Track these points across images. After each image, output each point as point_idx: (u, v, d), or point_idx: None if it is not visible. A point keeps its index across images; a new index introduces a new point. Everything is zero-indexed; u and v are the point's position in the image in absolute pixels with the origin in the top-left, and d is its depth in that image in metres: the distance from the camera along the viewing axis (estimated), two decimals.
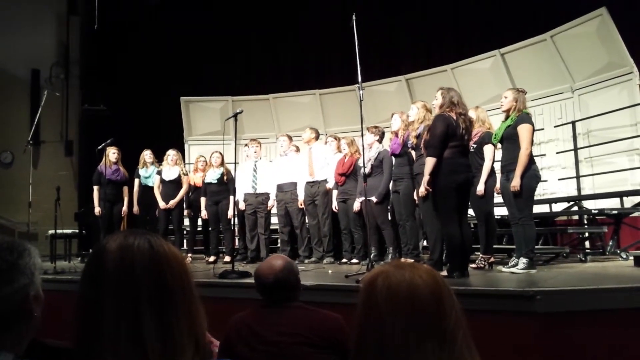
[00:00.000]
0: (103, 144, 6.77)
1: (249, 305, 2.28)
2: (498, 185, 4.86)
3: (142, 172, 7.10)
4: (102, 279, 0.96)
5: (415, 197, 5.02)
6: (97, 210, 6.94)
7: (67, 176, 9.87)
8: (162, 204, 6.86)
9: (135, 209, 7.10)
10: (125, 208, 7.10)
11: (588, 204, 6.57)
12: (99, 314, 0.93)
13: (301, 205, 6.61)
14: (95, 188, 7.00)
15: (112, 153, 7.00)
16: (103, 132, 7.45)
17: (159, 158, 7.21)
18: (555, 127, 7.29)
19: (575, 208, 6.69)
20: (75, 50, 10.50)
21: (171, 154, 7.05)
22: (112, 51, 10.20)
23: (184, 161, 7.67)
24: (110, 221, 6.97)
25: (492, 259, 5.06)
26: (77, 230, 7.94)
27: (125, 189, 7.14)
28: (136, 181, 7.13)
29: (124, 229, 7.01)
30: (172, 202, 6.86)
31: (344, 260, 6.21)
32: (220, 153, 6.95)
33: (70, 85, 10.33)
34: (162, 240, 1.03)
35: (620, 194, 6.20)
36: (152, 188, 7.01)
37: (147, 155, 7.14)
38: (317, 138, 6.91)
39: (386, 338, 0.99)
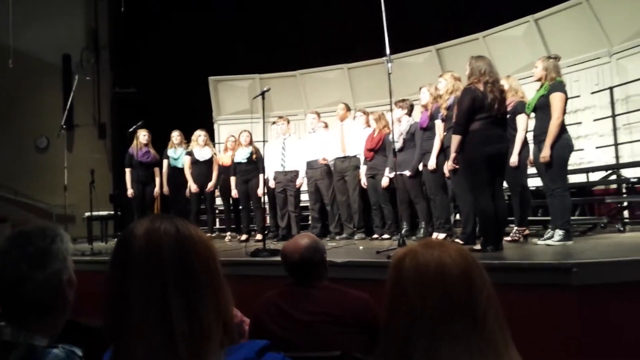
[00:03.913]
0: (134, 127, 6.86)
1: (281, 283, 2.29)
2: (531, 156, 4.75)
3: (170, 152, 7.17)
4: (130, 263, 0.97)
5: (446, 171, 4.95)
6: (129, 192, 7.07)
7: (101, 159, 10.08)
8: (193, 187, 6.94)
9: (165, 189, 7.20)
10: (157, 189, 7.21)
11: (627, 172, 6.37)
12: (127, 297, 0.94)
13: (327, 160, 6.52)
14: (127, 170, 7.12)
15: (142, 135, 7.08)
16: (134, 114, 7.54)
17: (188, 139, 7.27)
18: (592, 93, 7.06)
19: (614, 177, 6.49)
20: (104, 34, 10.62)
21: (202, 134, 7.10)
22: (140, 33, 10.26)
23: (214, 141, 7.71)
24: (143, 202, 7.10)
25: (527, 232, 4.97)
26: (112, 212, 8.13)
27: (157, 170, 7.24)
28: (165, 162, 7.21)
29: (157, 210, 7.16)
30: (211, 185, 6.96)
31: (375, 236, 6.20)
32: (249, 132, 6.97)
33: (100, 69, 10.47)
34: (188, 223, 1.03)
35: None
36: (181, 169, 7.09)
37: (175, 136, 7.21)
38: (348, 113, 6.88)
39: (415, 319, 0.98)
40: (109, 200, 8.22)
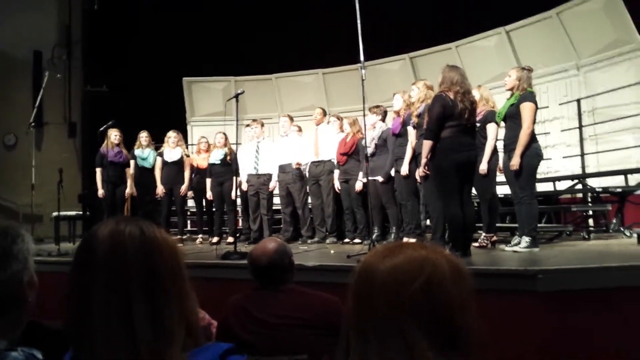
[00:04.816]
0: (105, 126, 6.76)
1: (252, 286, 2.29)
2: (501, 164, 4.84)
3: (138, 152, 7.06)
4: (92, 266, 0.96)
5: (417, 177, 5.01)
6: (100, 192, 6.96)
7: (71, 158, 9.87)
8: (160, 189, 6.87)
9: (134, 190, 7.10)
10: (128, 190, 7.11)
11: (592, 182, 6.55)
12: (89, 299, 0.93)
13: (299, 166, 6.53)
14: (98, 170, 7.00)
15: (113, 135, 6.98)
16: (106, 114, 7.42)
17: (160, 139, 7.19)
18: (560, 104, 7.23)
19: (579, 186, 6.67)
20: (77, 31, 10.42)
21: (172, 135, 7.03)
22: (113, 31, 10.11)
23: (186, 142, 7.64)
24: (114, 203, 6.98)
25: (494, 238, 5.06)
26: (81, 212, 7.98)
27: (128, 171, 7.14)
28: (132, 163, 7.11)
29: (127, 212, 7.06)
30: (184, 189, 6.88)
31: (347, 240, 6.23)
32: (224, 133, 6.93)
33: (72, 67, 10.26)
34: (154, 226, 1.03)
35: (625, 172, 6.16)
36: (149, 169, 7.01)
37: (143, 136, 7.12)
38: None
39: (381, 321, 0.95)
40: (77, 200, 8.07)
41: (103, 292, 0.93)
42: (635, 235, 4.96)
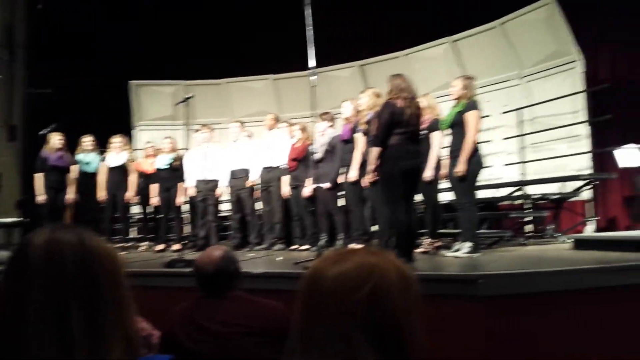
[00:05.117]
0: (46, 130, 6.52)
1: (196, 295, 2.27)
2: (446, 170, 4.98)
3: (80, 157, 6.87)
4: (27, 275, 0.93)
5: (364, 183, 5.09)
6: (40, 197, 6.70)
7: (9, 162, 9.45)
8: (101, 195, 6.70)
9: (75, 196, 6.89)
10: (70, 195, 6.88)
11: (530, 189, 6.81)
12: (22, 310, 0.90)
13: (250, 184, 6.53)
14: (38, 175, 6.74)
15: (56, 139, 6.74)
16: (49, 117, 7.17)
17: (105, 143, 7.00)
18: (502, 113, 7.48)
19: (519, 193, 6.93)
20: (20, 31, 10.01)
21: (115, 140, 6.86)
22: (59, 32, 9.77)
23: (133, 147, 7.47)
24: (55, 209, 6.74)
25: (438, 244, 5.19)
26: (19, 219, 7.64)
27: (71, 177, 6.91)
28: (75, 168, 6.90)
29: (69, 218, 6.82)
30: (129, 195, 6.71)
31: (295, 246, 6.24)
32: (172, 138, 6.82)
33: (14, 68, 9.84)
34: (92, 234, 1.01)
35: (562, 179, 6.44)
36: (92, 174, 6.83)
37: (86, 141, 6.92)
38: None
39: (330, 325, 0.94)
40: (16, 206, 7.73)
41: (38, 302, 0.91)
42: (569, 240, 5.17)
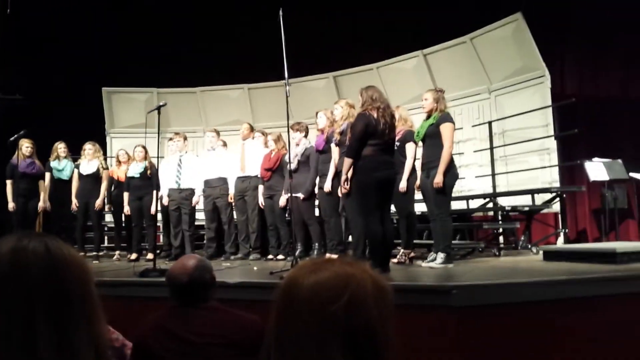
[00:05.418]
0: (15, 136, 6.37)
1: (169, 304, 2.22)
2: (418, 182, 5.02)
3: (54, 164, 6.73)
4: None
5: (339, 194, 5.10)
6: (10, 205, 6.53)
7: None
8: (74, 203, 6.56)
9: (47, 204, 6.73)
10: (41, 203, 6.72)
11: (502, 201, 6.92)
12: None
13: (231, 199, 6.52)
14: (9, 182, 6.58)
15: (25, 146, 6.59)
16: (20, 123, 7.00)
17: (77, 150, 6.87)
18: (473, 126, 7.62)
19: (491, 204, 7.04)
20: None
21: (87, 147, 6.74)
22: (29, 37, 9.58)
23: (105, 154, 7.34)
24: (25, 217, 6.58)
25: (412, 254, 5.22)
26: None
27: (42, 184, 6.76)
28: (47, 175, 6.75)
29: (40, 226, 6.66)
30: (99, 203, 6.59)
31: (270, 256, 6.21)
32: (144, 146, 6.72)
33: None
34: (60, 242, 0.97)
35: (532, 192, 6.57)
36: (66, 182, 6.69)
37: (60, 147, 6.79)
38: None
39: (300, 335, 0.94)
40: None
41: (2, 314, 0.88)
42: (541, 252, 5.26)
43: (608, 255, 4.10)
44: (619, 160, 6.18)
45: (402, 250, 5.20)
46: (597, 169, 6.07)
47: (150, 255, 6.33)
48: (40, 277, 0.90)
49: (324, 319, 0.92)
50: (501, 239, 6.84)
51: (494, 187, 7.19)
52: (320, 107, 6.26)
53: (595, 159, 6.20)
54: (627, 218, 6.95)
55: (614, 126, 7.18)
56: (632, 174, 6.16)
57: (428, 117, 4.85)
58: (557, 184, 6.55)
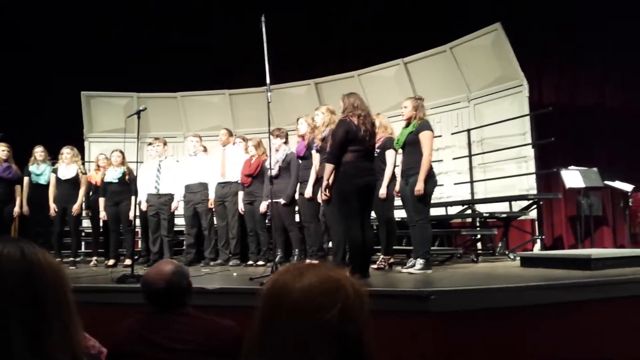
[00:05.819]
0: None
1: (148, 310, 2.20)
2: (397, 188, 5.06)
3: (32, 168, 6.62)
4: None
5: (320, 200, 5.11)
6: None
7: None
8: (52, 208, 6.46)
9: (25, 209, 6.61)
10: (17, 208, 6.59)
11: (480, 208, 7.01)
12: None
13: (211, 205, 6.49)
14: None
15: (1, 150, 6.47)
16: None
17: (54, 155, 6.77)
18: (452, 134, 7.70)
19: (469, 211, 7.12)
20: None
21: (65, 151, 6.64)
22: (6, 40, 9.44)
23: (83, 159, 7.23)
24: (1, 222, 6.44)
25: (392, 260, 5.25)
26: None
27: (18, 188, 6.63)
28: (25, 179, 6.63)
29: (15, 231, 6.53)
30: (75, 207, 6.48)
31: (250, 262, 6.18)
32: (121, 151, 6.65)
33: None
34: (36, 247, 0.96)
35: (509, 199, 6.66)
36: (44, 186, 6.58)
37: (39, 152, 6.69)
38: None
39: (287, 337, 0.94)
40: None
41: None
42: (518, 258, 5.33)
43: (583, 261, 4.18)
44: (595, 169, 6.31)
45: (381, 256, 5.22)
46: (573, 177, 6.19)
47: (128, 261, 6.27)
48: (15, 282, 0.89)
49: (317, 325, 0.92)
50: (479, 245, 6.92)
51: (472, 194, 7.28)
52: (301, 113, 6.28)
53: (572, 167, 6.32)
54: (602, 225, 7.09)
55: (590, 135, 7.34)
56: (607, 182, 6.29)
57: (407, 124, 4.89)
58: (534, 191, 6.65)
